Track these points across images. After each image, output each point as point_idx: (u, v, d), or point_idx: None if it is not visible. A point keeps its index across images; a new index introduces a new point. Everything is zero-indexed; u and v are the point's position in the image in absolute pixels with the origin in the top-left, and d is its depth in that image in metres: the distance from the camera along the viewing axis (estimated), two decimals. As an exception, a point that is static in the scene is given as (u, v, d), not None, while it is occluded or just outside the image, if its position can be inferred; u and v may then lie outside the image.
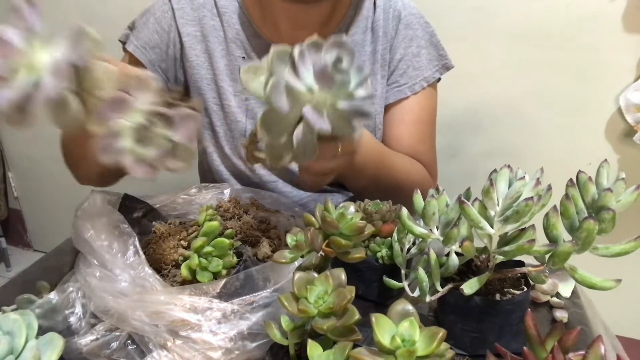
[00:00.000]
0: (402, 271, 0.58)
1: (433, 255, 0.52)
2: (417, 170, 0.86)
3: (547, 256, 0.49)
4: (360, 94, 0.49)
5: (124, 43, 0.86)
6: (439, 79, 0.91)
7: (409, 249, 0.58)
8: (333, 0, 0.81)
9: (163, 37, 0.83)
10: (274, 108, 0.47)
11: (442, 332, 0.37)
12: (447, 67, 0.89)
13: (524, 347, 0.41)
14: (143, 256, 0.56)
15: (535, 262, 0.51)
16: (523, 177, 0.48)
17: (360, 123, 0.55)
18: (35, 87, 0.43)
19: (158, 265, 0.58)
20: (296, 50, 0.47)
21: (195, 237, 0.58)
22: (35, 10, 0.44)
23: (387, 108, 0.89)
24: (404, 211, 0.54)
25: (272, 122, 0.50)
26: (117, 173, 0.75)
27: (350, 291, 0.43)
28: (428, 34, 0.88)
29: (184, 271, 0.54)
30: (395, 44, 0.87)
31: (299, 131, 0.50)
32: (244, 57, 0.84)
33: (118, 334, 0.53)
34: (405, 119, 0.88)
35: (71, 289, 0.57)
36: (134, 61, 0.82)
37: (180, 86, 0.86)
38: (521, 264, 0.55)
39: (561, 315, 0.61)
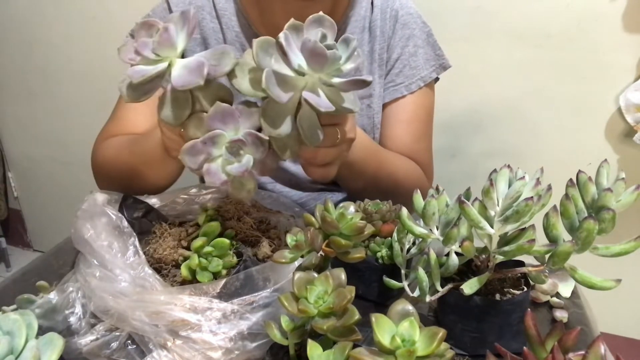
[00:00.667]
0: (402, 271, 0.58)
1: (433, 255, 0.52)
2: (412, 169, 0.86)
3: (547, 256, 0.49)
4: (350, 66, 0.50)
5: None
6: (437, 79, 0.91)
7: (409, 249, 0.58)
8: (331, 2, 0.82)
9: None
10: (273, 100, 0.48)
11: (442, 332, 0.37)
12: (444, 67, 0.89)
13: (524, 347, 0.41)
14: (143, 256, 0.56)
15: (535, 262, 0.51)
16: (523, 177, 0.48)
17: (357, 99, 0.55)
18: (168, 76, 0.49)
19: (158, 265, 0.58)
20: (282, 37, 0.47)
21: (195, 237, 0.58)
22: (196, 24, 0.52)
23: (384, 107, 0.89)
24: (404, 211, 0.54)
25: (273, 114, 0.50)
26: (158, 189, 0.76)
27: (350, 291, 0.43)
28: (425, 33, 0.88)
29: (184, 271, 0.54)
30: (392, 44, 0.87)
31: (301, 116, 0.50)
32: None
33: (118, 334, 0.53)
34: (401, 118, 0.88)
35: (71, 289, 0.57)
36: None
37: None
38: (521, 264, 0.55)
39: (561, 315, 0.61)
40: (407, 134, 0.88)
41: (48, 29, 1.67)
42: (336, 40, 0.51)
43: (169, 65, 0.50)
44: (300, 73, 0.49)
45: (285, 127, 0.51)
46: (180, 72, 0.49)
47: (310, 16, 0.49)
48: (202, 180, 0.96)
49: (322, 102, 0.49)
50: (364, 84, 0.50)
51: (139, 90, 0.49)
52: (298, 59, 0.48)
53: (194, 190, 0.70)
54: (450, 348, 0.40)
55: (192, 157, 0.51)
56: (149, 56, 0.49)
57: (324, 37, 0.49)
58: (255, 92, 0.51)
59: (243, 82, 0.51)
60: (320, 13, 0.50)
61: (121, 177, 0.76)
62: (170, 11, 0.83)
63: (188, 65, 0.50)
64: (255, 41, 0.49)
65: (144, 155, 0.71)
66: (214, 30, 0.84)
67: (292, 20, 0.49)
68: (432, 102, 0.91)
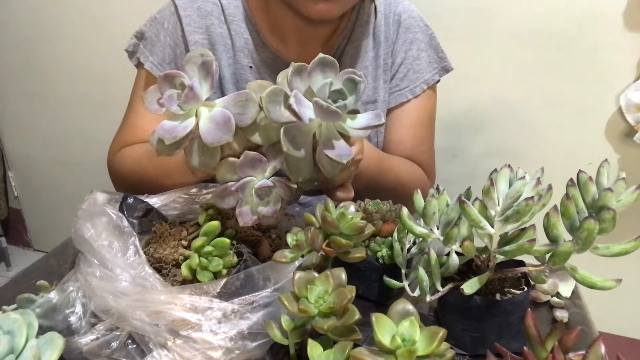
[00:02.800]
0: (403, 271, 0.58)
1: (433, 255, 0.52)
2: (414, 171, 0.87)
3: (547, 256, 0.49)
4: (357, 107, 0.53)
5: (132, 53, 0.85)
6: (438, 80, 0.92)
7: (409, 249, 0.58)
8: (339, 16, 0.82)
9: (176, 51, 0.83)
10: (292, 155, 0.51)
11: (442, 332, 0.37)
12: (446, 69, 0.90)
13: (524, 347, 0.41)
14: (143, 255, 0.56)
15: (536, 262, 0.51)
16: (523, 177, 0.48)
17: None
18: (196, 128, 0.51)
19: (158, 264, 0.58)
20: (292, 101, 0.49)
21: (196, 237, 0.58)
22: (217, 77, 0.53)
23: (389, 111, 0.89)
24: (404, 211, 0.54)
25: (294, 164, 0.54)
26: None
27: (351, 291, 0.43)
28: (427, 36, 0.88)
29: (184, 271, 0.55)
30: (396, 48, 0.87)
31: (320, 156, 0.53)
32: (251, 67, 0.85)
33: (118, 333, 0.53)
34: (405, 122, 0.88)
35: (71, 288, 0.57)
36: (151, 78, 0.82)
37: None
38: (521, 263, 0.55)
39: (561, 315, 0.61)
40: (410, 138, 0.88)
41: (48, 29, 1.67)
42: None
43: (196, 115, 0.52)
44: (316, 122, 0.51)
45: (307, 173, 0.54)
46: (209, 127, 0.51)
47: (315, 59, 0.51)
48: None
49: (342, 153, 0.52)
50: (377, 127, 0.53)
51: (172, 147, 0.52)
52: (309, 111, 0.50)
53: (194, 190, 0.70)
54: (451, 348, 0.40)
55: (223, 200, 0.55)
56: (176, 111, 0.51)
57: (331, 86, 0.50)
58: (269, 141, 0.54)
59: (255, 136, 0.54)
60: (321, 55, 0.51)
61: (141, 185, 0.75)
62: (178, 15, 0.82)
63: (215, 118, 0.51)
64: (263, 97, 0.50)
65: (166, 168, 0.72)
66: (222, 35, 0.84)
67: (293, 65, 0.51)
68: (434, 104, 0.92)
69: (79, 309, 0.56)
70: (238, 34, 0.84)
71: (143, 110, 0.83)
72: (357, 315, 0.42)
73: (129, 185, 0.81)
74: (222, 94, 0.85)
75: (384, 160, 0.81)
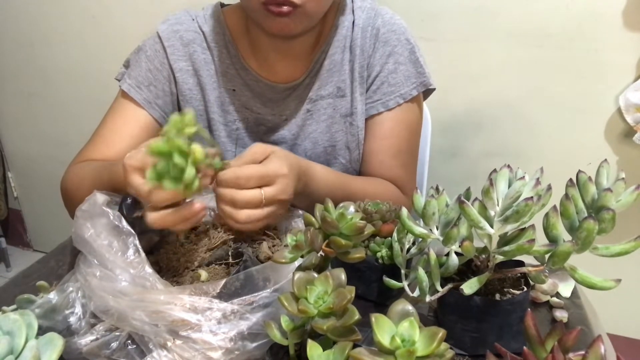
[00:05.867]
0: (402, 271, 0.58)
1: (433, 255, 0.52)
2: (384, 191, 0.85)
3: (547, 256, 0.49)
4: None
5: (119, 81, 0.87)
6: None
7: (408, 249, 0.58)
8: (317, 30, 0.84)
9: (157, 75, 0.85)
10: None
11: (442, 332, 0.37)
12: (425, 85, 0.88)
13: (524, 347, 0.41)
14: (143, 255, 0.56)
15: (535, 262, 0.51)
16: (523, 177, 0.48)
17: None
18: None
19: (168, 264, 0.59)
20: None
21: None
22: None
23: (365, 123, 0.89)
24: (404, 211, 0.54)
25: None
26: None
27: (350, 291, 0.43)
28: (407, 50, 0.87)
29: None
30: (372, 62, 0.87)
31: None
32: (234, 90, 0.87)
33: (118, 333, 0.53)
34: (378, 134, 0.88)
35: (71, 289, 0.57)
36: (127, 98, 0.84)
37: None
38: (521, 263, 0.55)
39: (561, 315, 0.61)
40: (383, 150, 0.88)
41: (48, 29, 1.67)
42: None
43: None
44: None
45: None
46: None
47: None
48: None
49: None
50: None
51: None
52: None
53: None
54: (450, 348, 0.40)
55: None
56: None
57: None
58: None
59: None
60: None
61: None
62: (162, 45, 0.85)
63: None
64: None
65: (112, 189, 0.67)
66: (206, 61, 0.87)
67: None
68: (415, 118, 0.90)
69: (78, 309, 0.56)
70: (220, 60, 0.87)
71: (112, 124, 0.84)
72: (357, 316, 0.42)
73: (70, 203, 0.77)
74: (207, 117, 0.88)
75: (350, 185, 0.80)
